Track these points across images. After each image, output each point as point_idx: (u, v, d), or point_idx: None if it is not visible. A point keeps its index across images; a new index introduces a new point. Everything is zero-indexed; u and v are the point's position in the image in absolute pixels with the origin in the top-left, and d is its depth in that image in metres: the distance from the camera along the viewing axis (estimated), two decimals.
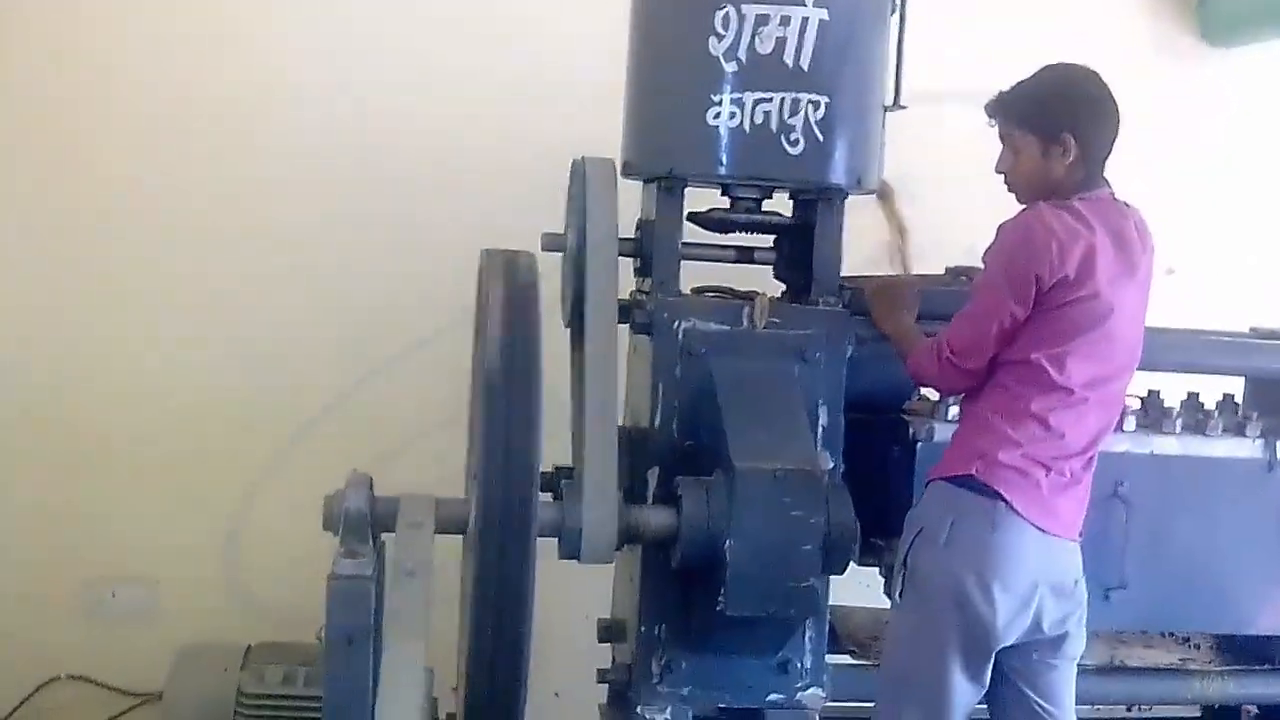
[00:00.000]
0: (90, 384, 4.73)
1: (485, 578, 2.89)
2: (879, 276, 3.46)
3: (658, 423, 3.34)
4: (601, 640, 3.70)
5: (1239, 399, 3.83)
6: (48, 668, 4.81)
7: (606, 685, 3.70)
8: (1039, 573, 2.95)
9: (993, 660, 3.00)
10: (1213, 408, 3.69)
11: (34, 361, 4.70)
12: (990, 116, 3.11)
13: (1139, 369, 3.16)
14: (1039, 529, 2.94)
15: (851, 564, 3.60)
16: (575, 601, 3.89)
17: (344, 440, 4.38)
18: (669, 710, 3.38)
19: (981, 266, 3.12)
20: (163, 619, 4.78)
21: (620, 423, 3.49)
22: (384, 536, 3.08)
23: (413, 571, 2.77)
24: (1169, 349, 3.53)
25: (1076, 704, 3.13)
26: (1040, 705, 3.03)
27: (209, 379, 4.75)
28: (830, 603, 3.56)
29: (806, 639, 3.43)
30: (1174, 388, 3.74)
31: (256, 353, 4.74)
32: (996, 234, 2.99)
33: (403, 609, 2.63)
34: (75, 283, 4.69)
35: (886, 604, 3.34)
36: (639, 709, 3.38)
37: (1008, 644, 2.97)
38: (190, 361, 4.75)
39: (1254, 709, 4.18)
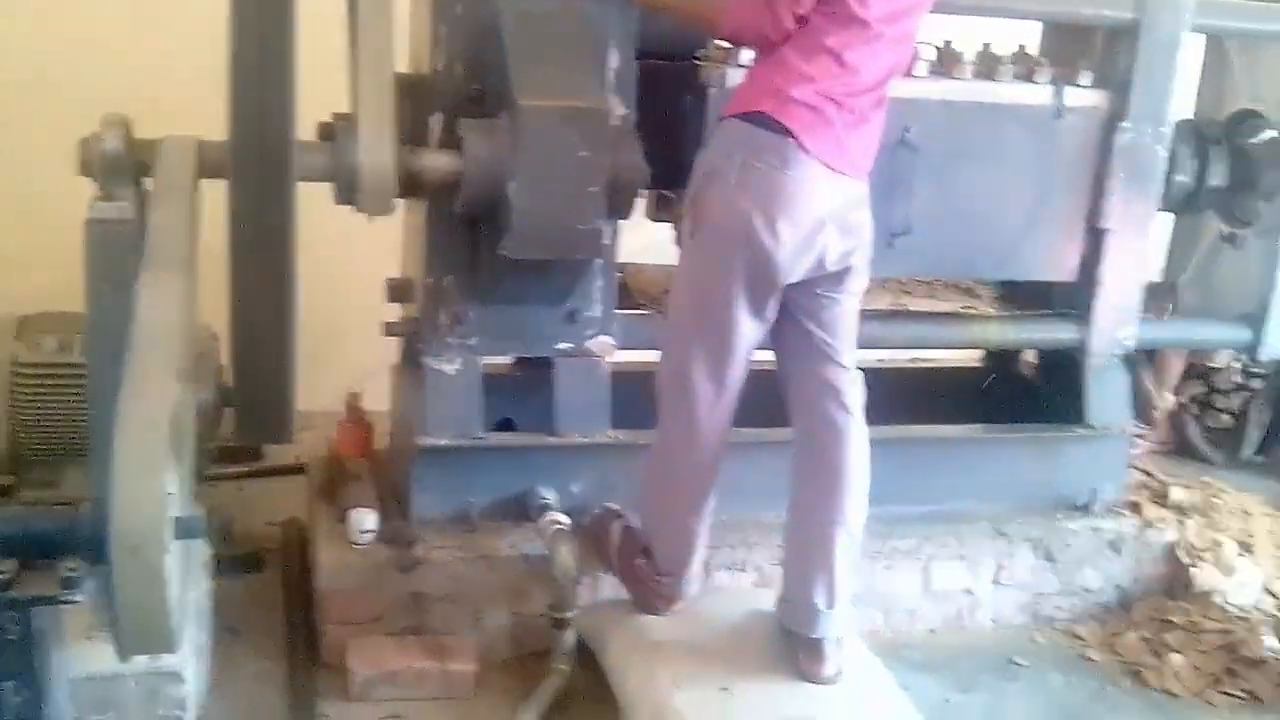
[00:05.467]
0: None
1: (243, 220, 2.76)
2: None
3: (440, 65, 3.19)
4: (391, 300, 3.63)
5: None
6: None
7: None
8: (825, 210, 2.93)
9: (778, 297, 3.01)
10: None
11: None
12: None
13: (937, 12, 3.08)
14: (828, 166, 2.91)
15: (644, 218, 3.61)
16: (371, 276, 3.77)
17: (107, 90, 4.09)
18: (459, 361, 3.36)
19: None
20: None
21: (404, 70, 3.35)
22: (146, 183, 2.92)
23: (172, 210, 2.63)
24: None
25: (861, 349, 3.18)
26: (822, 339, 3.06)
27: None
28: (620, 260, 3.56)
29: (595, 288, 3.42)
30: (970, 39, 3.71)
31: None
32: None
33: (160, 242, 2.50)
34: None
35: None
36: (427, 361, 3.35)
37: (793, 280, 2.98)
38: None
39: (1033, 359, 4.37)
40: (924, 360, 4.62)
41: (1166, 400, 4.93)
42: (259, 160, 2.65)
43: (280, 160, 2.66)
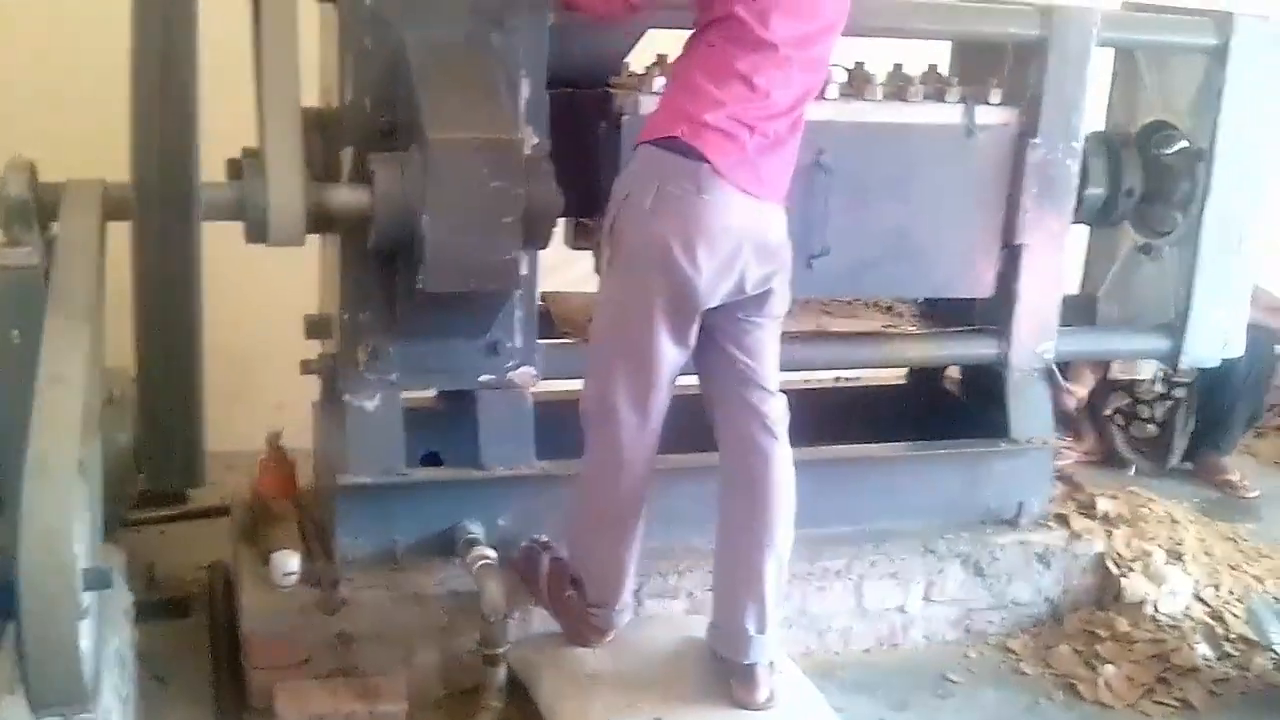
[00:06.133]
0: None
1: (148, 263, 2.71)
2: None
3: (349, 99, 3.16)
4: (309, 336, 3.57)
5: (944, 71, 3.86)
6: None
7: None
8: (743, 235, 2.93)
9: (698, 323, 3.00)
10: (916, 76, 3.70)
11: None
12: None
13: (847, 35, 3.10)
14: (743, 191, 2.91)
15: (565, 248, 3.59)
16: (293, 312, 3.72)
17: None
18: (379, 396, 3.32)
19: None
20: None
21: (316, 104, 3.33)
22: (53, 226, 2.88)
23: (77, 255, 2.59)
24: (876, 13, 3.47)
25: (786, 371, 3.18)
26: (745, 363, 3.06)
27: None
28: (544, 289, 3.54)
29: (516, 319, 3.39)
30: (882, 60, 3.74)
31: None
32: None
33: (65, 288, 2.46)
34: None
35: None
36: (347, 398, 3.30)
37: (712, 306, 2.97)
38: None
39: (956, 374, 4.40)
40: (848, 380, 4.63)
41: (1080, 393, 4.96)
42: (162, 201, 2.60)
43: (183, 201, 2.61)
